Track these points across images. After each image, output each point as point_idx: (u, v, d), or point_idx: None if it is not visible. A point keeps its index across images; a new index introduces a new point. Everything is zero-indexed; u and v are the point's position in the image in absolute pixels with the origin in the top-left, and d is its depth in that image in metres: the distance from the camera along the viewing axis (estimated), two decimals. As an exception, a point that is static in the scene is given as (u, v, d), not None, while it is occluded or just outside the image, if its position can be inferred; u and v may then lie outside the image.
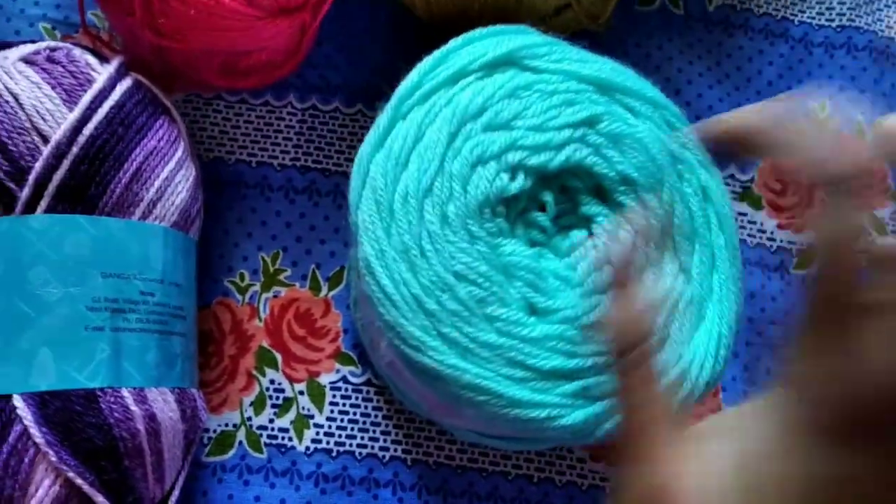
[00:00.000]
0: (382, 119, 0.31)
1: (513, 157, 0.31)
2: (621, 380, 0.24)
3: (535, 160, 0.31)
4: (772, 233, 0.40)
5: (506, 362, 0.29)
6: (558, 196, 0.33)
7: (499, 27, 0.33)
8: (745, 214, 0.41)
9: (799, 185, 0.41)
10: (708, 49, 0.43)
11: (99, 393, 0.29)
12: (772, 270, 0.40)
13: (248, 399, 0.37)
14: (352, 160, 0.40)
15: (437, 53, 0.32)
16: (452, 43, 0.32)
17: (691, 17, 0.43)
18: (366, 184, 0.30)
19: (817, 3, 0.44)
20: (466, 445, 0.37)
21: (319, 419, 0.37)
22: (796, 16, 0.44)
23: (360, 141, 0.40)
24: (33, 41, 0.33)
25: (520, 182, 0.31)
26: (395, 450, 0.37)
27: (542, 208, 0.33)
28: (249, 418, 0.37)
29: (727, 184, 0.41)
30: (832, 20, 0.44)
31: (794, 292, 0.40)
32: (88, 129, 0.30)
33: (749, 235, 0.40)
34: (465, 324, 0.29)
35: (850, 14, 0.44)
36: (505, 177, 0.31)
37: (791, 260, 0.40)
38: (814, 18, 0.44)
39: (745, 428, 0.22)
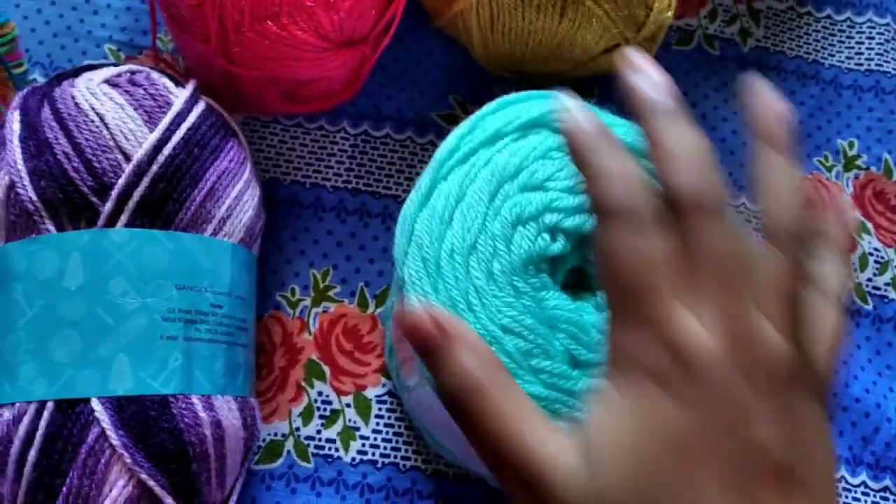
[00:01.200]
0: (424, 180, 0.32)
1: (550, 218, 0.31)
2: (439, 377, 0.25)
3: (570, 222, 0.31)
4: (801, 266, 0.42)
5: (550, 414, 0.29)
6: None
7: (529, 93, 0.34)
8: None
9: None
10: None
11: (171, 399, 0.30)
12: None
13: (297, 410, 0.39)
14: (401, 184, 0.42)
15: (472, 117, 0.33)
16: (487, 107, 0.34)
17: (726, 58, 0.45)
18: (411, 241, 0.31)
19: (847, 47, 0.46)
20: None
21: (365, 431, 0.38)
22: (827, 59, 0.46)
23: (410, 166, 0.42)
24: (115, 64, 0.35)
25: (560, 244, 0.31)
26: (438, 463, 0.38)
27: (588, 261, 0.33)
28: (298, 428, 0.38)
29: (758, 217, 0.43)
30: (861, 64, 0.46)
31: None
32: (167, 149, 0.32)
33: (779, 268, 0.42)
34: (512, 376, 0.30)
35: (879, 59, 0.46)
36: (546, 237, 0.31)
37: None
38: (843, 62, 0.46)
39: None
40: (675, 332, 0.22)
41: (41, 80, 0.43)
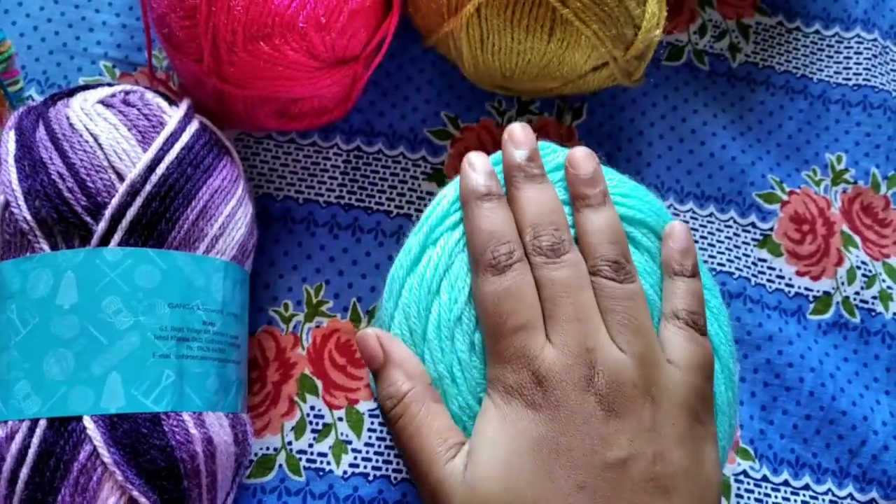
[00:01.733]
0: (413, 243, 0.32)
1: None
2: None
3: None
4: (790, 279, 0.43)
5: None
6: None
7: None
8: (764, 260, 0.43)
9: (816, 235, 0.43)
10: (731, 103, 0.45)
11: (163, 416, 0.31)
12: (789, 315, 0.42)
13: (290, 424, 0.39)
14: (393, 200, 0.42)
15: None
16: None
17: (715, 73, 0.46)
18: (398, 306, 0.32)
19: (835, 62, 0.46)
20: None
21: (357, 444, 0.39)
22: (815, 74, 0.46)
23: (402, 182, 0.43)
24: (110, 84, 0.36)
25: None
26: (429, 477, 0.39)
27: None
28: (290, 442, 0.39)
29: (747, 230, 0.43)
30: (849, 79, 0.46)
31: (810, 336, 0.42)
32: (161, 169, 0.32)
33: (768, 280, 0.42)
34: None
35: (867, 74, 0.46)
36: None
37: (808, 306, 0.42)
38: (832, 77, 0.46)
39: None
40: (535, 358, 0.28)
41: (37, 97, 0.43)
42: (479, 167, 0.31)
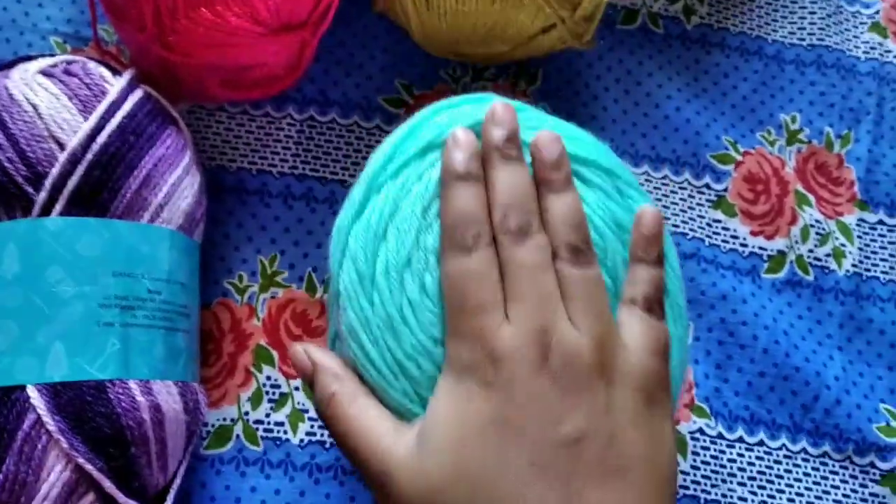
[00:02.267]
0: (357, 192, 0.32)
1: None
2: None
3: None
4: (744, 239, 0.43)
5: None
6: None
7: (463, 97, 0.34)
8: (719, 221, 0.43)
9: (770, 195, 0.43)
10: (686, 66, 0.45)
11: (108, 384, 0.31)
12: (743, 275, 0.42)
13: (246, 395, 0.39)
14: (347, 169, 0.42)
15: (405, 127, 0.33)
16: (419, 116, 0.33)
17: (670, 36, 0.46)
18: (345, 254, 0.31)
19: (790, 22, 0.46)
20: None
21: (314, 413, 0.39)
22: (770, 35, 0.46)
23: (356, 151, 0.42)
24: (52, 55, 0.35)
25: None
26: (387, 443, 0.39)
27: None
28: (247, 413, 0.39)
29: (702, 192, 0.43)
30: (803, 39, 0.46)
31: (765, 295, 0.42)
32: (102, 138, 0.32)
33: (723, 241, 0.43)
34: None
35: (820, 34, 0.46)
36: None
37: (762, 265, 0.42)
38: (786, 37, 0.46)
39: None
40: (492, 337, 0.28)
41: (-14, 73, 0.43)
42: (462, 145, 0.31)
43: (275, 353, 0.39)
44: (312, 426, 0.39)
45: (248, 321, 0.40)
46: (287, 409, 0.39)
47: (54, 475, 0.29)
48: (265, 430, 0.39)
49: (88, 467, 0.30)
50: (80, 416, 0.30)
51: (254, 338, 0.40)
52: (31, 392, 0.30)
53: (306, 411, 0.39)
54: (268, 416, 0.39)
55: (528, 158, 0.31)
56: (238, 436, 0.38)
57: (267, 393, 0.39)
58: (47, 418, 0.29)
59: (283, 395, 0.39)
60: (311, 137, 0.42)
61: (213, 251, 0.40)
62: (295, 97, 0.43)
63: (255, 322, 0.40)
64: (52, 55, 0.35)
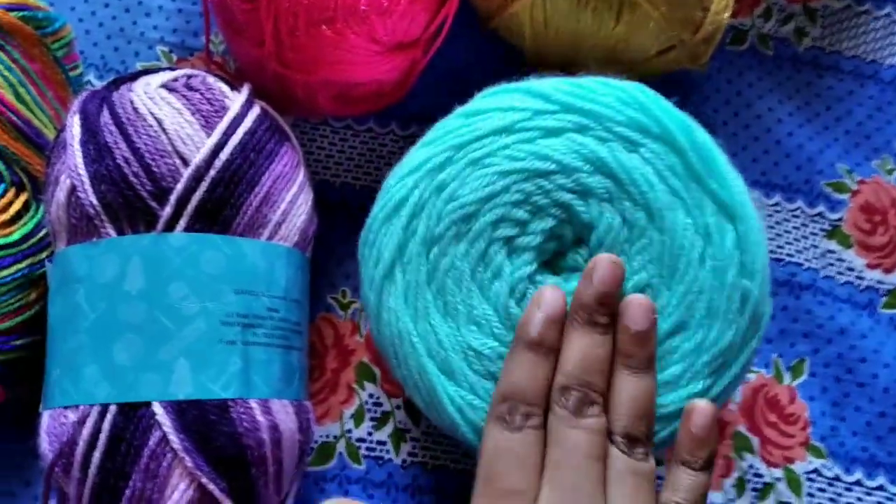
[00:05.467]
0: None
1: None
2: None
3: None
4: (860, 272, 0.41)
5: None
6: None
7: (503, 87, 0.33)
8: (833, 252, 0.41)
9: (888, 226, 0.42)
10: (797, 89, 0.44)
11: (231, 403, 0.30)
12: (861, 309, 0.40)
13: (349, 412, 0.39)
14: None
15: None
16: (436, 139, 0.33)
17: (781, 58, 0.44)
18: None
19: (907, 46, 0.45)
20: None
21: (416, 433, 0.38)
22: (885, 59, 0.44)
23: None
24: (172, 68, 0.35)
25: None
26: (488, 468, 0.38)
27: None
28: (349, 430, 0.38)
29: (815, 220, 0.42)
30: (922, 64, 0.44)
31: (882, 330, 0.40)
32: (225, 154, 0.32)
33: (838, 273, 0.41)
34: None
35: (940, 58, 0.44)
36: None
37: (879, 299, 0.41)
38: (903, 62, 0.44)
39: None
40: None
41: (95, 81, 0.43)
42: (546, 307, 0.29)
43: (377, 371, 0.39)
44: (414, 447, 0.38)
45: (350, 337, 0.40)
46: (389, 428, 0.38)
47: (178, 493, 0.29)
48: (367, 449, 0.38)
49: (211, 487, 0.29)
50: (204, 435, 0.30)
51: (356, 354, 0.39)
52: (157, 409, 0.30)
53: (408, 431, 0.38)
54: (370, 434, 0.38)
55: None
56: (341, 453, 0.38)
57: (369, 410, 0.39)
58: (173, 436, 0.29)
59: (384, 413, 0.39)
60: (414, 154, 0.42)
61: (316, 266, 0.40)
62: (398, 113, 0.43)
63: (358, 338, 0.40)
64: (171, 69, 0.36)
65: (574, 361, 0.28)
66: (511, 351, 0.29)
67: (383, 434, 0.38)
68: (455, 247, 0.31)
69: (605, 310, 0.29)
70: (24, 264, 0.35)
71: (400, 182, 0.32)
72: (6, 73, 0.36)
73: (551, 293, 0.29)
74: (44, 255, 0.36)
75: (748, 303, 0.30)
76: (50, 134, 0.37)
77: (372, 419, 0.39)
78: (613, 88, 0.32)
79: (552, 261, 0.33)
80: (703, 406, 0.28)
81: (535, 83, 0.32)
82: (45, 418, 0.32)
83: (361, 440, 0.38)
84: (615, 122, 0.31)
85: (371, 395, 0.39)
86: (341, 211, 0.41)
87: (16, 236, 0.35)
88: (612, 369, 0.29)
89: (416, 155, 0.32)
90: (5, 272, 0.34)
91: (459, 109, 0.33)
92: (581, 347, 0.29)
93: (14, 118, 0.36)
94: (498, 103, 0.32)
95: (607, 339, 0.29)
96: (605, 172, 0.31)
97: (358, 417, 0.39)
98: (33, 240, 0.36)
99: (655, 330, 0.29)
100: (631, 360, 0.29)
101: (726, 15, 0.37)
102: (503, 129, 0.31)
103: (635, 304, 0.29)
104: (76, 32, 0.43)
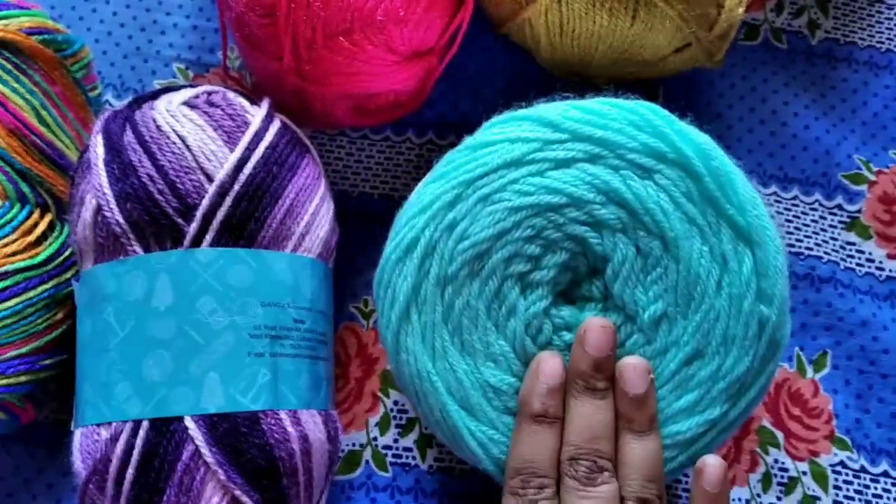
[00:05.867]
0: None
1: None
2: None
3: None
4: (881, 262, 0.41)
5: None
6: None
7: (510, 116, 0.33)
8: (853, 244, 0.41)
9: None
10: (812, 81, 0.44)
11: (261, 415, 0.31)
12: (882, 300, 0.40)
13: (374, 420, 0.39)
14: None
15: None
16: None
17: (795, 51, 0.44)
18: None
19: (921, 35, 0.45)
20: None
21: (440, 439, 0.39)
22: (900, 48, 0.44)
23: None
24: (192, 85, 0.36)
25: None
26: (515, 471, 0.38)
27: None
28: (375, 438, 0.39)
29: (834, 213, 0.42)
30: (937, 52, 0.44)
31: (906, 322, 0.40)
32: (248, 168, 0.32)
33: (857, 265, 0.41)
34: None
35: (956, 46, 0.44)
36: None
37: (902, 290, 0.41)
38: (918, 51, 0.44)
39: None
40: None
41: (113, 101, 0.44)
42: (547, 376, 0.30)
43: (401, 379, 0.39)
44: (440, 452, 0.38)
45: (374, 346, 0.40)
46: (414, 435, 0.39)
47: (212, 506, 0.30)
48: (394, 456, 0.38)
49: (245, 499, 0.30)
50: (236, 448, 0.30)
51: (380, 362, 0.40)
52: (189, 423, 0.30)
53: (434, 437, 0.39)
54: (396, 441, 0.39)
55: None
56: (367, 461, 0.38)
57: (394, 418, 0.39)
58: (205, 450, 0.30)
59: (409, 419, 0.39)
60: (431, 161, 0.42)
61: (337, 276, 0.40)
62: (414, 122, 0.43)
63: (381, 346, 0.40)
64: (192, 86, 0.36)
65: (578, 431, 0.29)
66: (517, 424, 0.30)
67: (409, 441, 0.39)
68: (469, 286, 0.31)
69: (601, 375, 0.29)
70: (49, 284, 0.35)
71: (410, 222, 0.32)
72: (28, 96, 0.36)
73: (550, 363, 0.30)
74: (69, 274, 0.36)
75: (766, 328, 0.30)
76: (72, 155, 0.38)
77: (397, 426, 0.39)
78: (625, 112, 0.31)
79: (568, 290, 0.33)
80: (713, 464, 0.29)
81: (543, 110, 0.32)
82: (77, 436, 0.32)
83: (388, 447, 0.39)
84: (628, 148, 0.30)
85: (396, 403, 0.39)
86: (361, 221, 0.41)
87: (41, 257, 0.35)
88: (617, 431, 0.29)
89: (426, 192, 0.32)
90: (32, 293, 0.35)
91: (467, 141, 0.33)
92: (583, 415, 0.29)
93: (37, 140, 0.36)
94: (506, 134, 0.32)
95: (608, 403, 0.29)
96: (619, 203, 0.30)
97: (383, 425, 0.39)
98: (58, 260, 0.36)
99: (654, 390, 0.30)
100: (633, 423, 0.29)
101: (741, 10, 0.37)
102: (512, 163, 0.31)
103: (630, 369, 0.29)
104: (93, 53, 0.43)
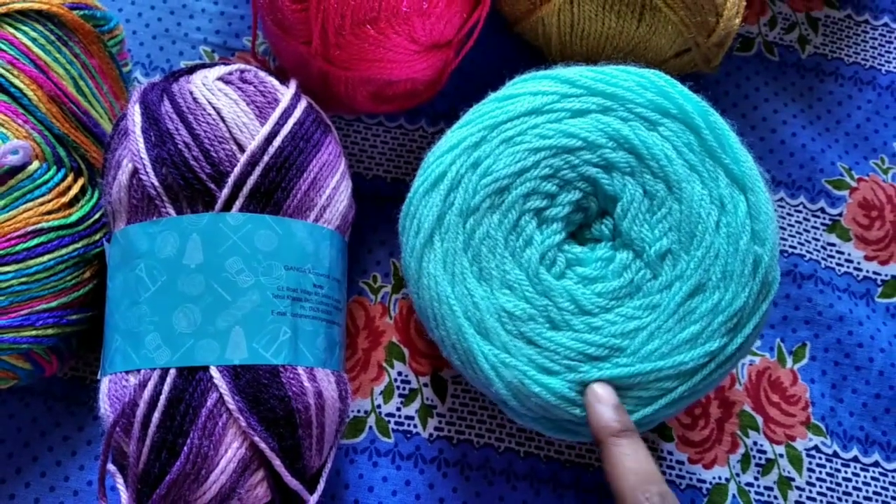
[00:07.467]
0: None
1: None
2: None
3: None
4: (858, 263, 0.44)
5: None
6: None
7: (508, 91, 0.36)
8: (833, 245, 0.44)
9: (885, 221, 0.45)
10: (801, 93, 0.47)
11: (281, 369, 0.33)
12: (858, 298, 0.43)
13: (379, 388, 0.41)
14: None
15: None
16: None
17: (785, 64, 0.47)
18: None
19: (903, 55, 0.48)
20: (578, 444, 0.41)
21: (442, 409, 0.41)
22: (884, 65, 0.47)
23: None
24: (225, 63, 0.38)
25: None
26: (510, 442, 0.41)
27: None
28: (379, 406, 0.41)
29: (817, 215, 0.45)
30: (917, 72, 0.48)
31: (879, 319, 0.43)
32: (277, 141, 0.35)
33: (837, 264, 0.44)
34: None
35: (934, 67, 0.47)
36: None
37: (876, 289, 0.44)
38: (900, 69, 0.48)
39: None
40: None
41: (142, 78, 0.46)
42: (605, 400, 0.31)
43: (405, 350, 0.42)
44: (440, 422, 0.41)
45: (381, 319, 0.42)
46: (416, 404, 0.41)
47: (231, 451, 0.32)
48: (396, 423, 0.41)
49: (262, 445, 0.32)
50: (256, 398, 0.32)
51: (386, 335, 0.42)
52: (214, 373, 0.32)
53: (434, 407, 0.41)
54: (398, 409, 0.41)
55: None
56: (371, 427, 0.41)
57: (398, 388, 0.41)
58: (228, 398, 0.32)
59: (412, 390, 0.41)
60: (442, 149, 0.45)
61: (349, 252, 0.43)
62: (427, 111, 0.45)
63: (388, 320, 0.42)
64: (225, 63, 0.38)
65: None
66: (605, 452, 0.31)
67: (411, 410, 0.41)
68: (489, 217, 0.34)
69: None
70: (80, 244, 0.37)
71: (439, 159, 0.35)
72: (68, 66, 0.39)
73: (602, 389, 0.32)
74: (98, 236, 0.38)
75: (760, 267, 0.33)
76: (105, 125, 0.40)
77: (400, 395, 0.41)
78: (633, 74, 0.35)
79: (577, 232, 0.36)
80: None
81: (561, 70, 0.36)
82: (105, 383, 0.34)
83: (391, 415, 0.41)
84: (636, 103, 0.34)
85: (400, 374, 0.41)
86: (373, 202, 0.44)
87: (74, 217, 0.37)
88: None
89: (454, 135, 0.35)
90: (64, 251, 0.37)
91: (493, 94, 0.36)
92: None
93: (75, 108, 0.38)
94: (528, 88, 0.35)
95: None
96: (628, 148, 0.34)
97: (387, 394, 0.41)
98: (89, 221, 0.38)
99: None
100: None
101: (738, 20, 0.40)
102: (533, 111, 0.35)
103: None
104: (124, 32, 0.46)
